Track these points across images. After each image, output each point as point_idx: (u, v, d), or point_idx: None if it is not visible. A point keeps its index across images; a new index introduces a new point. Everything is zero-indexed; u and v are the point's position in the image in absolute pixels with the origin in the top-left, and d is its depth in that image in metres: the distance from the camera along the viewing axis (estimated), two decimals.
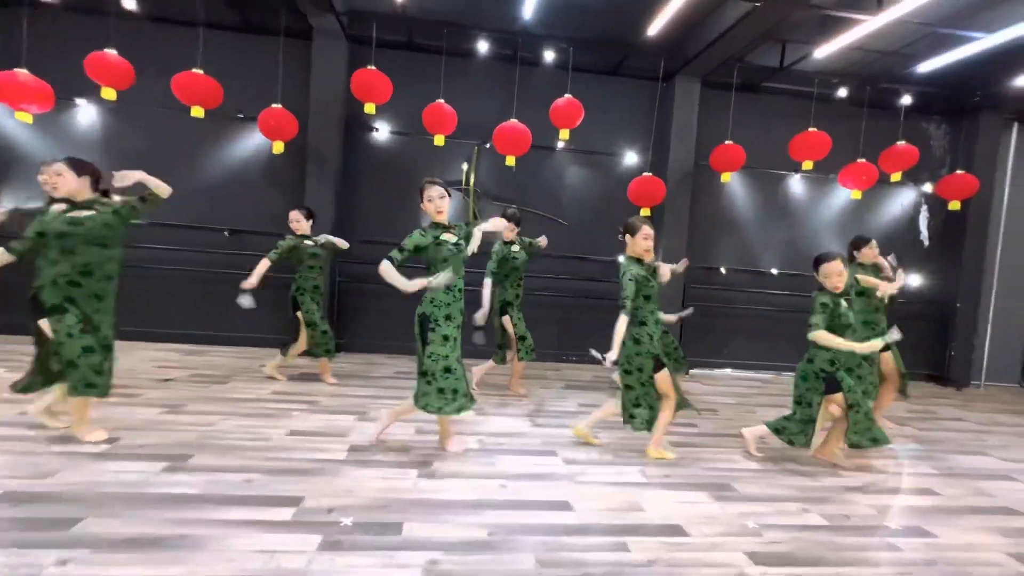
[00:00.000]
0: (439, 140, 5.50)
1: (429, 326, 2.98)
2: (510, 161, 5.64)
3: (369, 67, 5.14)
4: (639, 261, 3.25)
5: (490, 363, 4.77)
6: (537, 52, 5.95)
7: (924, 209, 7.18)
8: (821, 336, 3.18)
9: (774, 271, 6.84)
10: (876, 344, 3.14)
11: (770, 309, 6.84)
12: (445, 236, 3.01)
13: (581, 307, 6.54)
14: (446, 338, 2.98)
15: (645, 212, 5.87)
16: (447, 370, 2.97)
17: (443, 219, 3.04)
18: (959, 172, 6.20)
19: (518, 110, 5.78)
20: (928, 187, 7.07)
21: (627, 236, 3.25)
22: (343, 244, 4.77)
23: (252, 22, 5.76)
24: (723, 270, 6.73)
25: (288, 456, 2.93)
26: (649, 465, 3.19)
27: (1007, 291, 7.30)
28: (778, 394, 5.68)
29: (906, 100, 6.35)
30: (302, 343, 4.54)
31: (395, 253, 2.90)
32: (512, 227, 4.53)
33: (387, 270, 2.86)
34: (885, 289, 4.00)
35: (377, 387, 4.71)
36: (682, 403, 3.35)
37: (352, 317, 6.18)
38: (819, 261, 3.34)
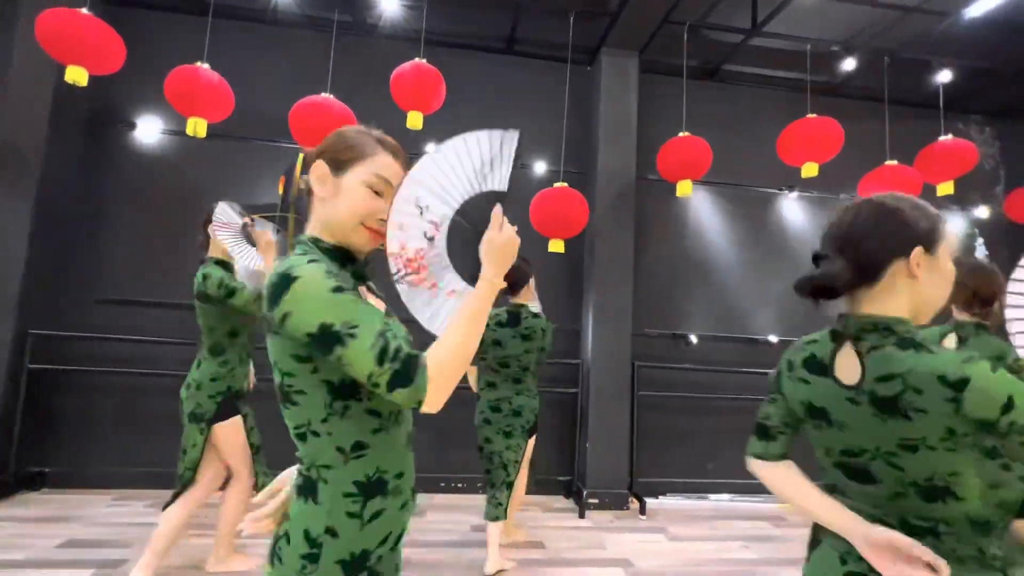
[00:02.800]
0: (195, 127, 3.29)
1: None
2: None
3: (82, 9, 3.03)
4: None
5: None
6: (369, 14, 3.93)
7: (980, 243, 4.96)
8: None
9: (772, 339, 4.47)
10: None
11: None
12: None
13: None
14: None
15: (557, 246, 3.60)
16: None
17: None
18: None
19: (341, 90, 3.66)
20: (983, 210, 4.92)
21: None
22: None
23: None
24: (693, 339, 4.35)
25: None
26: None
27: None
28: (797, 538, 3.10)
29: (944, 77, 4.31)
30: None
31: None
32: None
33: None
34: None
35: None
36: None
37: (57, 427, 3.65)
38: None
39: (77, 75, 3.07)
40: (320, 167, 0.95)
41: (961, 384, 0.78)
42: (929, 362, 0.81)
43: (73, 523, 3.03)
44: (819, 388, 0.94)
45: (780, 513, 3.98)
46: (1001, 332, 1.89)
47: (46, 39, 3.00)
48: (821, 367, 0.95)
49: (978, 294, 1.79)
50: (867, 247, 0.90)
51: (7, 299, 3.37)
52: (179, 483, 2.27)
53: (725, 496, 4.20)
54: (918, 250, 0.89)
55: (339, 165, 0.96)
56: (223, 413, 2.24)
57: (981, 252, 4.94)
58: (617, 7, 3.80)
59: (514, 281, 2.75)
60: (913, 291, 0.91)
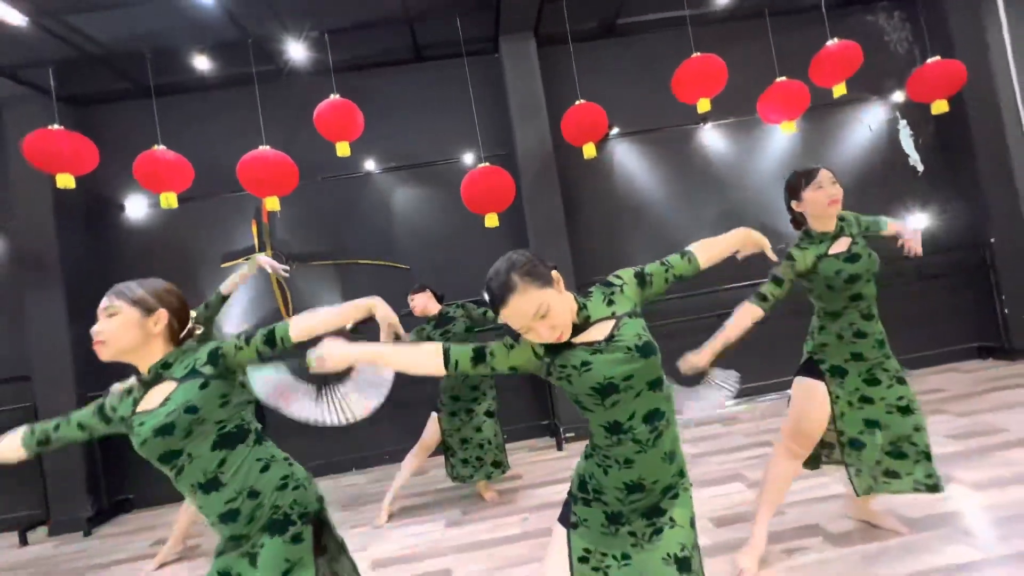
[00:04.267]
0: (167, 200, 3.95)
1: None
2: (272, 204, 4.03)
3: (52, 126, 3.71)
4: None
5: None
6: (282, 57, 4.44)
7: (903, 125, 5.16)
8: None
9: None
10: None
11: (715, 314, 4.85)
12: None
13: None
14: None
15: (492, 221, 4.13)
16: None
17: None
18: (932, 60, 4.25)
19: (278, 138, 4.22)
20: (899, 95, 5.10)
21: None
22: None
23: None
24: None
25: None
26: None
27: None
28: (743, 443, 3.66)
29: None
30: None
31: None
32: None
33: None
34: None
35: None
36: None
37: (134, 462, 4.53)
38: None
39: (66, 181, 3.76)
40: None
41: None
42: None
43: (158, 529, 3.90)
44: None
45: (729, 416, 4.53)
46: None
47: (34, 157, 3.69)
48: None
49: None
50: None
51: (64, 375, 4.22)
52: None
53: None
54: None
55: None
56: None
57: (906, 133, 5.17)
58: (497, 1, 4.17)
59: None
60: None
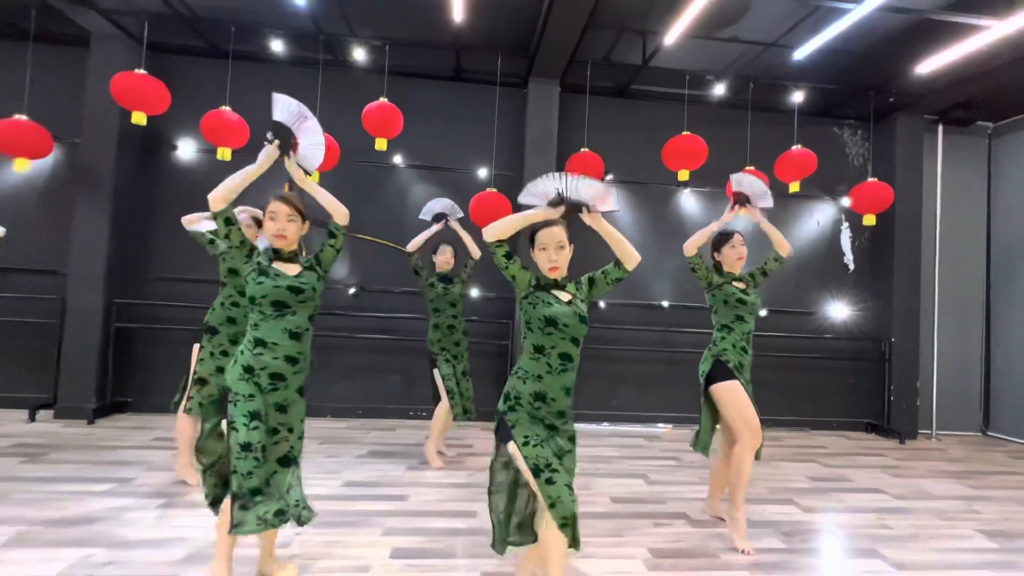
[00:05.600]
0: (223, 154, 4.62)
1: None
2: (314, 178, 4.70)
3: (137, 70, 4.33)
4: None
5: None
6: (347, 55, 5.15)
7: (846, 227, 6.14)
8: None
9: (665, 304, 5.77)
10: None
11: (664, 350, 5.72)
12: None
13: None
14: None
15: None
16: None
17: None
18: (871, 180, 5.20)
19: (328, 120, 4.90)
20: (847, 202, 6.07)
21: None
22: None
23: (11, 25, 4.97)
24: (602, 304, 5.67)
25: None
26: None
27: (952, 321, 6.14)
28: (657, 455, 4.50)
29: (797, 98, 5.43)
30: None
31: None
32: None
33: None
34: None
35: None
36: None
37: (139, 370, 5.13)
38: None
39: (139, 118, 4.39)
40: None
41: None
42: None
43: (156, 431, 4.51)
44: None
45: (659, 434, 5.38)
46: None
47: (118, 93, 4.31)
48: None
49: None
50: None
51: (97, 278, 4.80)
52: None
53: (624, 424, 5.61)
54: None
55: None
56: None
57: (846, 235, 6.15)
58: (533, 50, 4.95)
59: None
60: None
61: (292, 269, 2.11)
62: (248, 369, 2.00)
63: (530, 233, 2.00)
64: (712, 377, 2.88)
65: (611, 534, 2.88)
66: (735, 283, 2.96)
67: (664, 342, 5.73)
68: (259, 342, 2.02)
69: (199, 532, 2.65)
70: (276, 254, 2.12)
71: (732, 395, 2.83)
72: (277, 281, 2.03)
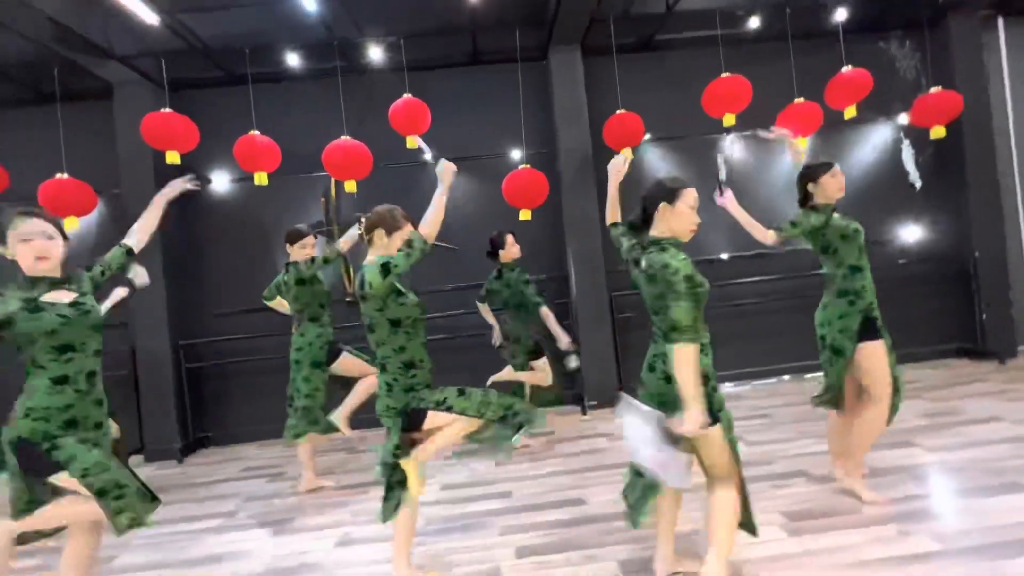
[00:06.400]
0: (260, 178, 4.58)
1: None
2: (350, 187, 4.64)
3: (163, 110, 4.32)
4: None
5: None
6: (364, 58, 5.01)
7: (906, 145, 5.72)
8: None
9: (724, 256, 5.51)
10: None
11: (729, 305, 5.47)
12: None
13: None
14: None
15: (526, 215, 4.75)
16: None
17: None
18: (934, 90, 4.81)
19: (356, 127, 4.81)
20: (904, 118, 5.64)
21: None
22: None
23: (38, 91, 5.03)
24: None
25: None
26: None
27: None
28: (747, 415, 4.31)
29: (840, 16, 5.03)
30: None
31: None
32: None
33: None
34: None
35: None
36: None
37: (213, 405, 5.21)
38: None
39: (173, 158, 4.37)
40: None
41: (663, 266, 1.81)
42: (660, 257, 1.86)
43: (242, 460, 4.57)
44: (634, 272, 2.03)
45: (736, 393, 5.18)
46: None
47: (150, 136, 4.30)
48: (636, 262, 2.01)
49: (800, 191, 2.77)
50: (643, 203, 2.00)
51: (161, 323, 4.87)
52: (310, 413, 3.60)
53: None
54: (662, 204, 1.92)
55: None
56: (329, 359, 3.53)
57: (908, 153, 5.74)
58: (552, 17, 4.72)
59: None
60: (664, 224, 1.93)
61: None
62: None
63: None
64: (860, 335, 2.52)
65: None
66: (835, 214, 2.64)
67: (725, 296, 5.47)
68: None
69: (319, 555, 2.62)
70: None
71: (881, 358, 2.53)
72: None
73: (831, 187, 2.63)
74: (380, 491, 2.24)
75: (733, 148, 5.44)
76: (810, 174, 2.72)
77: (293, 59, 4.85)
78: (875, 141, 5.73)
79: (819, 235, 2.64)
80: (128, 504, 1.79)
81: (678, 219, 1.92)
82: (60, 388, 1.82)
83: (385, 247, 2.21)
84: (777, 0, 4.99)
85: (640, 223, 2.03)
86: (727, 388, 5.34)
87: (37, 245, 1.83)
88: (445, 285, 5.34)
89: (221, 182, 5.31)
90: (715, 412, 1.85)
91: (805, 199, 2.76)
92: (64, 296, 1.90)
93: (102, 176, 4.93)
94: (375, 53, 4.87)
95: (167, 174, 5.08)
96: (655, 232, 1.96)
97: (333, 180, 5.33)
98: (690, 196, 1.93)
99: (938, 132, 4.87)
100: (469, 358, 5.31)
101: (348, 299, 5.27)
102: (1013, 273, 5.53)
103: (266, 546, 2.81)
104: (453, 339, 5.30)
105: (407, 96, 4.40)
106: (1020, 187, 5.65)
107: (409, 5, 4.54)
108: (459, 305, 5.28)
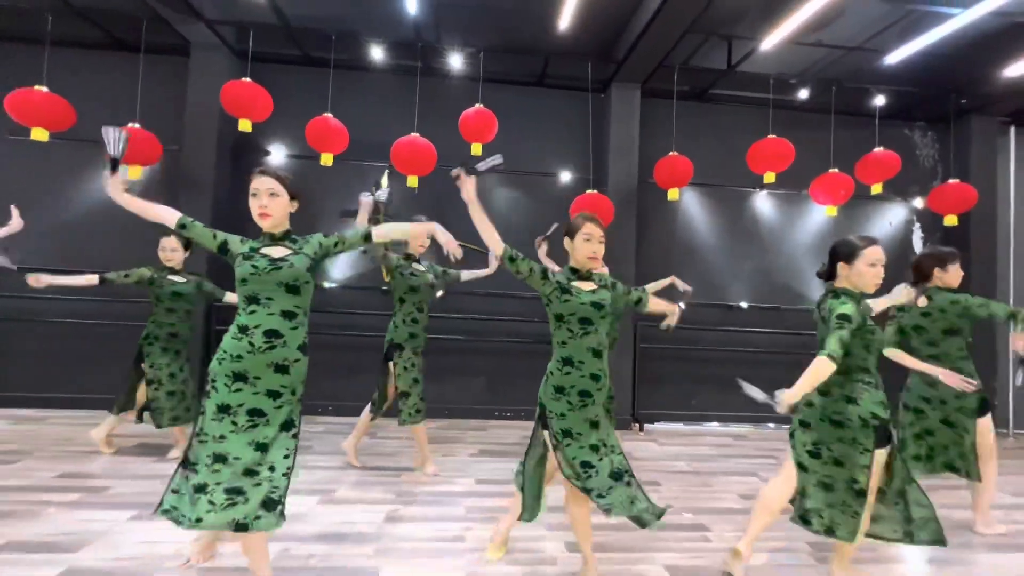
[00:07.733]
0: (326, 159, 4.73)
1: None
2: (412, 182, 4.82)
3: (244, 79, 4.45)
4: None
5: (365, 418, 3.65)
6: (443, 63, 5.25)
7: (917, 228, 6.19)
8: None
9: (744, 304, 5.83)
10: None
11: (742, 350, 5.77)
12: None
13: (512, 352, 5.53)
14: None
15: None
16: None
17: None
18: (953, 182, 5.26)
19: (424, 127, 5.00)
20: (919, 202, 6.12)
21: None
22: (228, 297, 3.82)
23: (117, 39, 5.09)
24: (682, 305, 5.69)
25: None
26: None
27: None
28: (753, 453, 4.55)
29: (879, 101, 5.50)
30: (139, 400, 3.73)
31: None
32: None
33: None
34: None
35: None
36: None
37: None
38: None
39: (245, 125, 4.50)
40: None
41: (830, 311, 2.12)
42: (831, 303, 2.17)
43: None
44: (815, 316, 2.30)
45: (741, 433, 5.43)
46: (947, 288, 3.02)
47: (228, 103, 4.42)
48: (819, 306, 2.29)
49: (918, 270, 3.11)
50: (829, 259, 2.27)
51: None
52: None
53: (703, 423, 5.66)
54: (841, 263, 2.22)
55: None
56: (385, 356, 3.59)
57: (917, 235, 6.19)
58: (624, 55, 5.03)
59: None
60: (845, 279, 2.23)
61: (587, 285, 2.20)
62: (559, 389, 2.10)
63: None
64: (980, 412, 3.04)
65: (775, 528, 2.94)
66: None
67: (744, 342, 5.78)
68: (567, 361, 2.11)
69: (366, 516, 2.72)
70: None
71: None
72: (581, 298, 2.11)
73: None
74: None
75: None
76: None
77: (377, 52, 5.03)
78: (890, 219, 6.18)
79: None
80: None
81: (858, 276, 2.20)
82: (239, 337, 1.89)
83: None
84: (826, 76, 5.42)
85: (826, 275, 2.33)
86: (736, 428, 5.60)
87: (261, 202, 1.98)
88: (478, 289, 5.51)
89: (277, 156, 5.41)
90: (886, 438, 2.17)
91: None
92: (277, 252, 2.01)
93: (165, 131, 4.99)
94: (455, 60, 5.09)
95: (226, 139, 5.21)
96: (837, 284, 2.27)
97: (386, 172, 5.48)
98: (871, 255, 2.17)
99: (951, 220, 5.31)
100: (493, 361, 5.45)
101: (384, 288, 5.39)
102: (1000, 364, 5.98)
103: (311, 504, 2.89)
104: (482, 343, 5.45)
105: (479, 106, 4.62)
106: (1013, 285, 6.15)
107: (496, 23, 4.79)
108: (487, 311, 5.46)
